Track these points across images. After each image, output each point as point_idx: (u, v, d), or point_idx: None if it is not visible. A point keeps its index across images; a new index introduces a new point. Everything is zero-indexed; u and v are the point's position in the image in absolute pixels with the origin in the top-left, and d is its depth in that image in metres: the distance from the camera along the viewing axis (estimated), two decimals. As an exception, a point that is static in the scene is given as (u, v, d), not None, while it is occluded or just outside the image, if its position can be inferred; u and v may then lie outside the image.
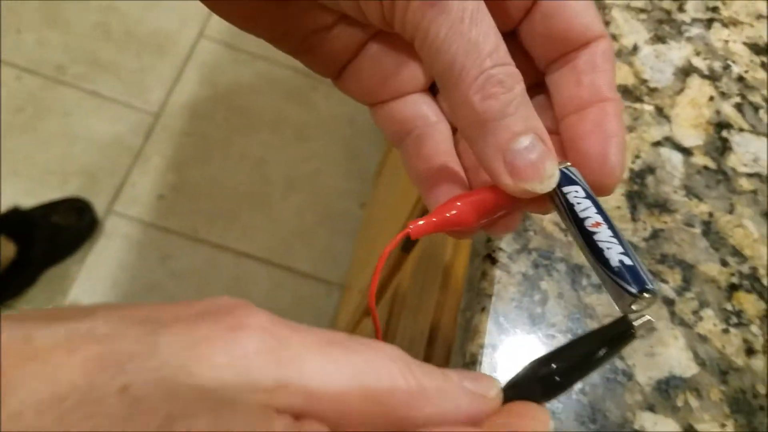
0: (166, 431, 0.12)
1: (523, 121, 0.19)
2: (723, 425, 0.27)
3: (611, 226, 0.19)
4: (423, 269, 0.47)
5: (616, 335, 0.19)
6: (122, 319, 0.13)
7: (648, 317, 0.19)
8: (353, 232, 1.27)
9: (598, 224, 0.19)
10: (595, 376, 0.26)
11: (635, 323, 0.18)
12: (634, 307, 0.19)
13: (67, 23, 1.31)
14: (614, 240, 0.19)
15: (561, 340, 0.28)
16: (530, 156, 0.19)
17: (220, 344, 0.13)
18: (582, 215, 0.20)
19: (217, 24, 1.40)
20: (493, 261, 0.29)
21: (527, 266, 0.29)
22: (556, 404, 0.26)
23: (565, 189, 0.20)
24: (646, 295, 0.18)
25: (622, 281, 0.18)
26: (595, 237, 0.19)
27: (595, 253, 0.19)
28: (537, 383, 0.18)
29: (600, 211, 0.20)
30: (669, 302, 0.28)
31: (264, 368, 0.13)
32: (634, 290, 0.18)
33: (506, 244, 0.29)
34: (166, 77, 1.32)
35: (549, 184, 0.20)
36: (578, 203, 0.20)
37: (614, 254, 0.19)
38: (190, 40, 1.36)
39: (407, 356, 0.16)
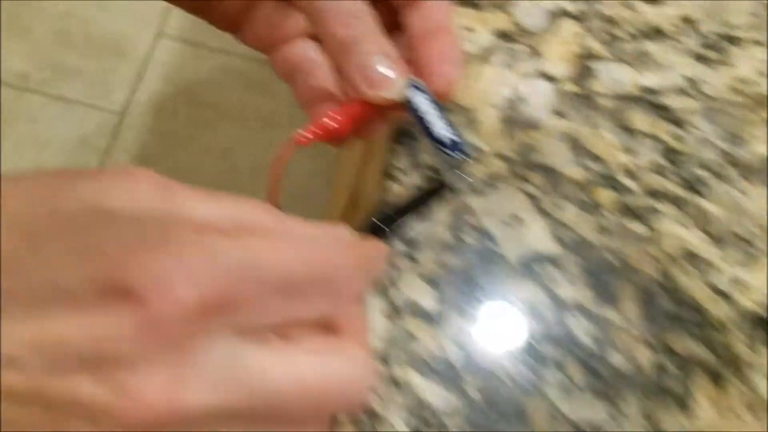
0: (87, 243, 0.17)
1: (375, 44, 0.25)
2: (575, 285, 0.33)
3: (445, 121, 0.26)
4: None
5: (435, 190, 0.26)
6: (48, 173, 0.19)
7: (466, 177, 0.26)
8: (324, 210, 1.33)
9: (436, 119, 0.26)
10: (471, 255, 0.32)
11: (456, 180, 0.26)
12: (461, 173, 0.26)
13: (27, 31, 1.35)
14: (447, 127, 0.25)
15: (447, 236, 0.34)
16: (382, 70, 0.25)
17: (119, 182, 0.19)
18: (426, 116, 0.26)
19: (176, 22, 1.44)
20: (390, 177, 0.35)
21: (420, 180, 0.35)
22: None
23: (414, 97, 0.26)
24: (464, 158, 0.25)
25: (449, 150, 0.25)
26: (434, 128, 0.26)
27: (433, 137, 0.26)
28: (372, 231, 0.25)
29: (440, 111, 0.26)
30: (534, 198, 0.35)
31: (154, 199, 0.19)
32: (456, 155, 0.25)
33: (399, 161, 0.35)
34: (129, 77, 1.37)
35: (398, 91, 0.26)
36: (423, 107, 0.26)
37: (444, 135, 0.25)
38: (149, 39, 1.41)
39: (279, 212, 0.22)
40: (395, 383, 0.31)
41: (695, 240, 0.35)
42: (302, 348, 0.19)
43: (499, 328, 0.32)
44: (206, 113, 1.40)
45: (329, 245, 0.21)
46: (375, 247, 0.24)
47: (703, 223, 0.36)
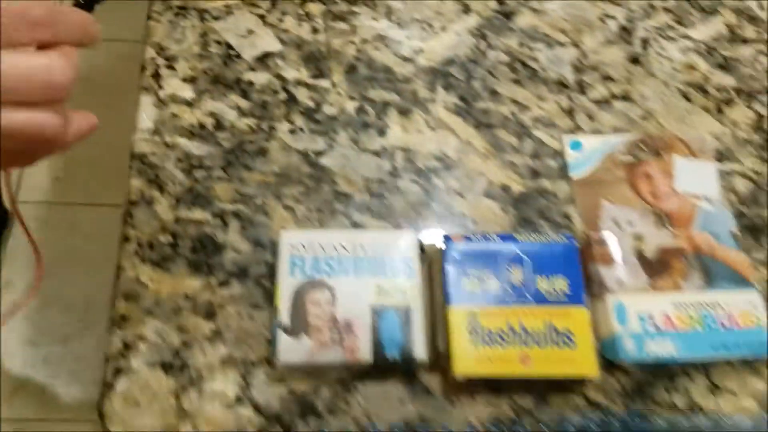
0: None
1: None
2: (299, 70, 0.45)
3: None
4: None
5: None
6: None
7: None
8: None
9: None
10: (217, 59, 0.45)
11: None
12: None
13: None
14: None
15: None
16: None
17: None
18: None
19: None
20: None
21: None
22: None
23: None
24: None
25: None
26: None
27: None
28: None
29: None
30: (262, 17, 0.47)
31: None
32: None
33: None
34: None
35: None
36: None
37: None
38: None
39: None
40: (169, 146, 0.42)
41: (384, 26, 0.48)
42: (25, 52, 0.30)
43: (238, 103, 0.45)
44: (107, 90, 1.47)
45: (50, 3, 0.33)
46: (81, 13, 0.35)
47: (389, 14, 0.49)
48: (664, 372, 0.39)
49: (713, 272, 0.41)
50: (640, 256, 0.41)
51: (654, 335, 0.39)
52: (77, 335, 1.22)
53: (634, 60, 0.50)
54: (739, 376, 0.40)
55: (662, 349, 0.39)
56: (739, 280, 0.41)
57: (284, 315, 0.37)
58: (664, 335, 0.39)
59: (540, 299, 0.39)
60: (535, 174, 0.45)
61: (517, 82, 0.48)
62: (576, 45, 0.50)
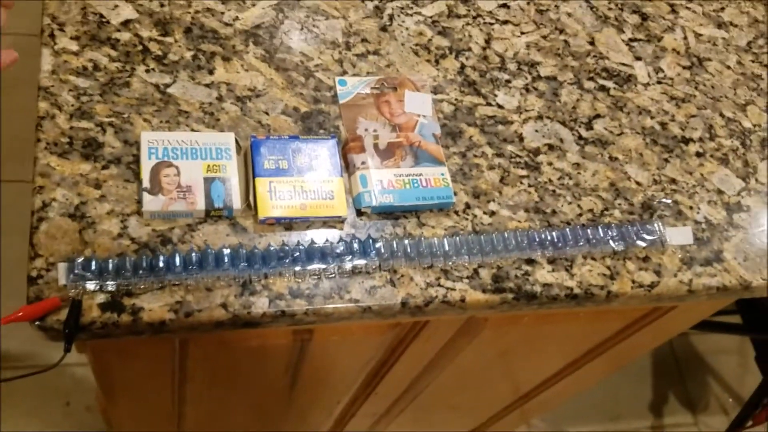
0: None
1: None
2: (151, 31, 0.66)
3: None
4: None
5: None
6: None
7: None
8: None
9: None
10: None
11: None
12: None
13: None
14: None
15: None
16: None
17: None
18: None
19: None
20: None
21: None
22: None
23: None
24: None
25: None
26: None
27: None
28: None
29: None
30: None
31: None
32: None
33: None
34: None
35: None
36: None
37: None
38: None
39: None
40: (62, 81, 0.62)
41: (211, 3, 0.70)
42: None
43: (109, 53, 0.65)
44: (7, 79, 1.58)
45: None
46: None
47: (216, -4, 0.71)
48: (391, 215, 0.65)
49: (419, 157, 0.67)
50: (377, 148, 0.67)
51: (382, 192, 0.64)
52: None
53: (383, 29, 0.75)
54: (436, 217, 0.66)
55: (387, 199, 0.64)
56: (436, 162, 0.68)
57: (146, 182, 0.58)
58: (388, 192, 0.64)
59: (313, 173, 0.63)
60: (316, 101, 0.69)
61: (305, 41, 0.72)
62: (345, 18, 0.75)
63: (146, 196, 0.58)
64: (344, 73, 0.71)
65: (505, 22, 0.81)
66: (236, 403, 0.93)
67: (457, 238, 0.64)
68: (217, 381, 0.81)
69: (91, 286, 0.54)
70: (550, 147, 0.73)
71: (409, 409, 1.07)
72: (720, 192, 0.76)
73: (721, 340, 1.92)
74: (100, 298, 0.54)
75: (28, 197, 0.57)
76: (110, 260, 0.55)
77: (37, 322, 0.52)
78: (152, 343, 0.65)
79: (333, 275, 0.60)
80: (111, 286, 0.54)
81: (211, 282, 0.56)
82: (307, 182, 0.63)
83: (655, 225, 0.70)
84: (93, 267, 0.54)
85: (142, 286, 0.55)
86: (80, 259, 0.54)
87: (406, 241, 0.63)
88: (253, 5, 0.72)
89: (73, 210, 0.57)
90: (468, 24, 0.79)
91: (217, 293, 0.56)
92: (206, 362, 0.74)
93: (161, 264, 0.56)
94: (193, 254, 0.57)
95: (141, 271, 0.55)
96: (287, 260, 0.59)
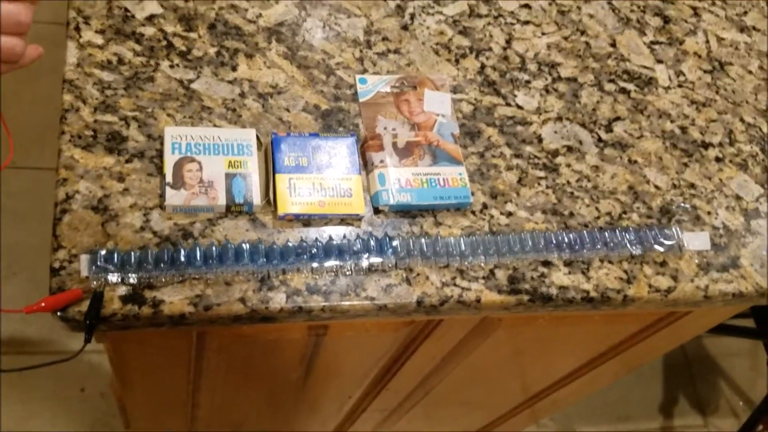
0: None
1: None
2: (175, 26, 0.67)
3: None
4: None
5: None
6: None
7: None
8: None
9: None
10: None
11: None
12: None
13: None
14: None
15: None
16: None
17: None
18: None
19: None
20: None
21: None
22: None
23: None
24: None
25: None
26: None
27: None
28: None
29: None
30: (146, -13, 0.68)
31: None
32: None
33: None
34: None
35: None
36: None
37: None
38: None
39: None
40: (87, 74, 0.63)
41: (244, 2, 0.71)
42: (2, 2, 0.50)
43: (134, 47, 0.65)
44: (22, 71, 1.61)
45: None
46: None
47: (239, -8, 0.71)
48: (408, 214, 0.65)
49: (438, 156, 0.68)
50: (395, 146, 0.67)
51: (400, 191, 0.64)
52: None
53: (404, 27, 0.76)
54: (453, 216, 0.66)
55: (404, 198, 0.64)
56: (454, 161, 0.68)
57: (169, 177, 0.59)
58: (405, 190, 0.65)
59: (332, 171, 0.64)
60: (336, 98, 0.69)
61: (326, 39, 0.72)
62: (366, 16, 0.75)
63: (169, 191, 0.59)
64: (365, 71, 0.72)
65: (527, 23, 0.81)
66: (249, 394, 0.94)
67: (474, 238, 0.64)
68: (232, 372, 0.82)
69: (113, 278, 0.55)
70: (569, 149, 0.73)
71: (420, 405, 1.08)
72: (738, 198, 0.75)
73: (733, 343, 1.91)
74: (122, 290, 0.54)
75: (47, 184, 0.57)
76: (132, 253, 0.56)
77: (58, 313, 0.53)
78: (170, 334, 0.66)
79: (350, 272, 0.60)
80: (132, 278, 0.55)
81: (230, 276, 0.57)
82: (326, 179, 0.63)
83: (673, 230, 0.70)
84: (115, 259, 0.55)
85: (163, 280, 0.56)
86: (103, 252, 0.55)
87: (423, 240, 0.63)
88: (276, 2, 0.73)
89: (96, 203, 0.58)
90: (489, 24, 0.79)
91: (236, 287, 0.57)
92: (222, 354, 0.75)
93: (182, 258, 0.56)
94: (214, 248, 0.58)
95: (162, 265, 0.56)
96: (305, 256, 0.60)
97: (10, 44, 0.49)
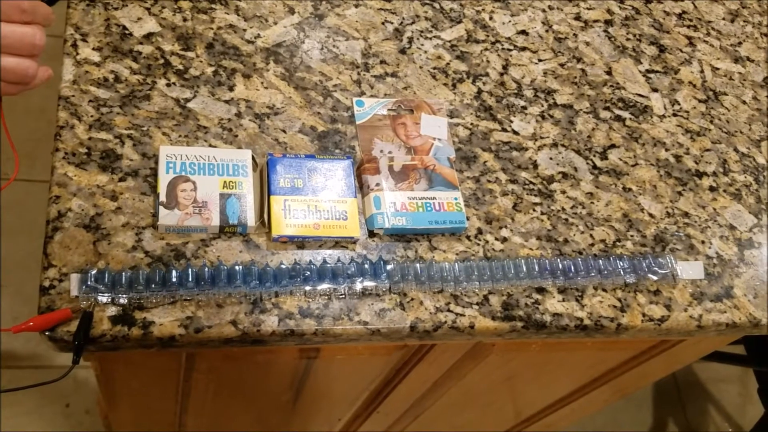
0: None
1: None
2: (173, 45, 0.67)
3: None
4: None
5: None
6: None
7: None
8: None
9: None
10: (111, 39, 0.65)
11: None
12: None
13: None
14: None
15: (103, 29, 0.66)
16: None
17: None
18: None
19: None
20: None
21: None
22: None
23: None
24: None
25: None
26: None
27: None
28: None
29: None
30: (148, 8, 0.68)
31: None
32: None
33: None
34: None
35: None
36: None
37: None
38: None
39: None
40: (83, 91, 0.62)
41: (234, 19, 0.71)
42: (18, 25, 0.49)
43: (131, 65, 0.65)
44: None
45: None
46: (47, 6, 0.54)
47: (237, 11, 0.71)
48: (403, 237, 0.65)
49: (434, 180, 0.68)
50: (391, 170, 0.67)
51: (395, 214, 0.64)
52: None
53: (402, 51, 0.76)
54: (448, 241, 0.66)
55: (399, 222, 0.64)
56: (449, 186, 0.68)
57: (163, 196, 0.59)
58: (401, 214, 0.64)
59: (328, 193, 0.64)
60: (333, 120, 0.69)
61: (324, 61, 0.72)
62: (365, 39, 0.75)
63: (162, 210, 0.58)
64: (362, 93, 0.72)
65: (523, 49, 0.82)
66: (238, 415, 0.93)
67: (468, 264, 0.64)
68: (221, 393, 0.81)
69: (103, 298, 0.54)
70: (564, 175, 0.73)
71: (411, 428, 1.07)
72: (732, 227, 0.76)
73: (722, 369, 1.91)
74: (112, 310, 0.54)
75: (37, 197, 0.57)
76: (123, 273, 0.55)
77: (47, 333, 0.52)
78: (159, 355, 0.65)
79: (343, 296, 0.60)
80: (123, 299, 0.54)
81: (222, 298, 0.57)
82: (321, 202, 0.63)
83: (667, 258, 0.70)
84: (106, 279, 0.54)
85: (153, 300, 0.55)
86: (93, 271, 0.54)
87: (417, 265, 0.63)
88: (275, 23, 0.73)
89: (89, 221, 0.57)
90: (486, 49, 0.79)
91: (227, 310, 0.56)
92: (211, 374, 0.74)
93: (174, 278, 0.56)
94: (206, 270, 0.57)
95: (153, 285, 0.55)
96: (298, 279, 0.59)
97: (24, 66, 0.50)
